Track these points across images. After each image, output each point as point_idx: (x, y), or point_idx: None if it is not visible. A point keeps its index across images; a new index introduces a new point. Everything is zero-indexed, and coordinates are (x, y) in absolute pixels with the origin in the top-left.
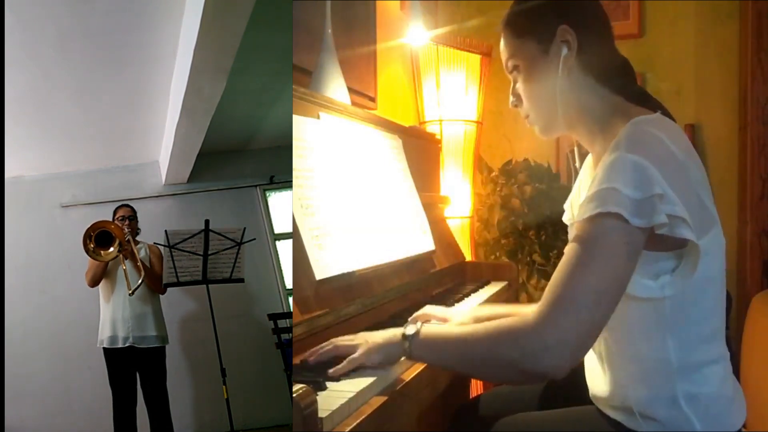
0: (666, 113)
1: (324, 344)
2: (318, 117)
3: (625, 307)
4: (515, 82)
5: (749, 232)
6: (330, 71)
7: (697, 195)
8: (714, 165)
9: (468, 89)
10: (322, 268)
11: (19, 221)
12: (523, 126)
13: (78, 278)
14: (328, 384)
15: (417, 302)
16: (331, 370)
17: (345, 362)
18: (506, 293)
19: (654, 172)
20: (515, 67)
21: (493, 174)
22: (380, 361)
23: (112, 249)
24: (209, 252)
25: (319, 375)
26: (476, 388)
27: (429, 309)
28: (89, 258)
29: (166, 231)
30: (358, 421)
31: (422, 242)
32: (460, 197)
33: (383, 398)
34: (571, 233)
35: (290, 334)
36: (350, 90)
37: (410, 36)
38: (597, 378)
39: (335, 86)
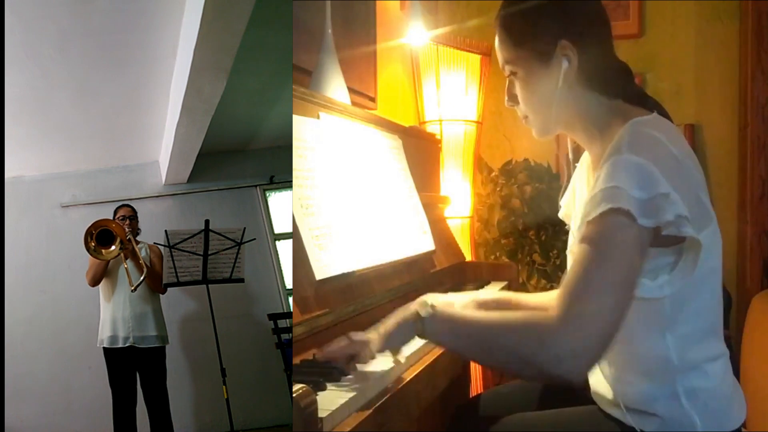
0: (663, 113)
1: (338, 338)
2: (318, 117)
3: None
4: (512, 83)
5: (749, 232)
6: (330, 71)
7: (695, 193)
8: (714, 165)
9: (468, 89)
10: (322, 268)
11: (19, 221)
12: (522, 126)
13: (78, 278)
14: (328, 384)
15: None
16: (351, 361)
17: (365, 351)
18: None
19: (656, 172)
20: (513, 73)
21: (493, 174)
22: (400, 343)
23: (113, 248)
24: (209, 252)
25: (330, 371)
26: (476, 388)
27: (429, 297)
28: (90, 257)
29: (166, 231)
30: (359, 421)
31: (422, 242)
32: (460, 197)
33: (383, 398)
34: (573, 232)
35: (290, 334)
36: (350, 90)
37: (410, 36)
38: (598, 375)
39: (335, 86)
